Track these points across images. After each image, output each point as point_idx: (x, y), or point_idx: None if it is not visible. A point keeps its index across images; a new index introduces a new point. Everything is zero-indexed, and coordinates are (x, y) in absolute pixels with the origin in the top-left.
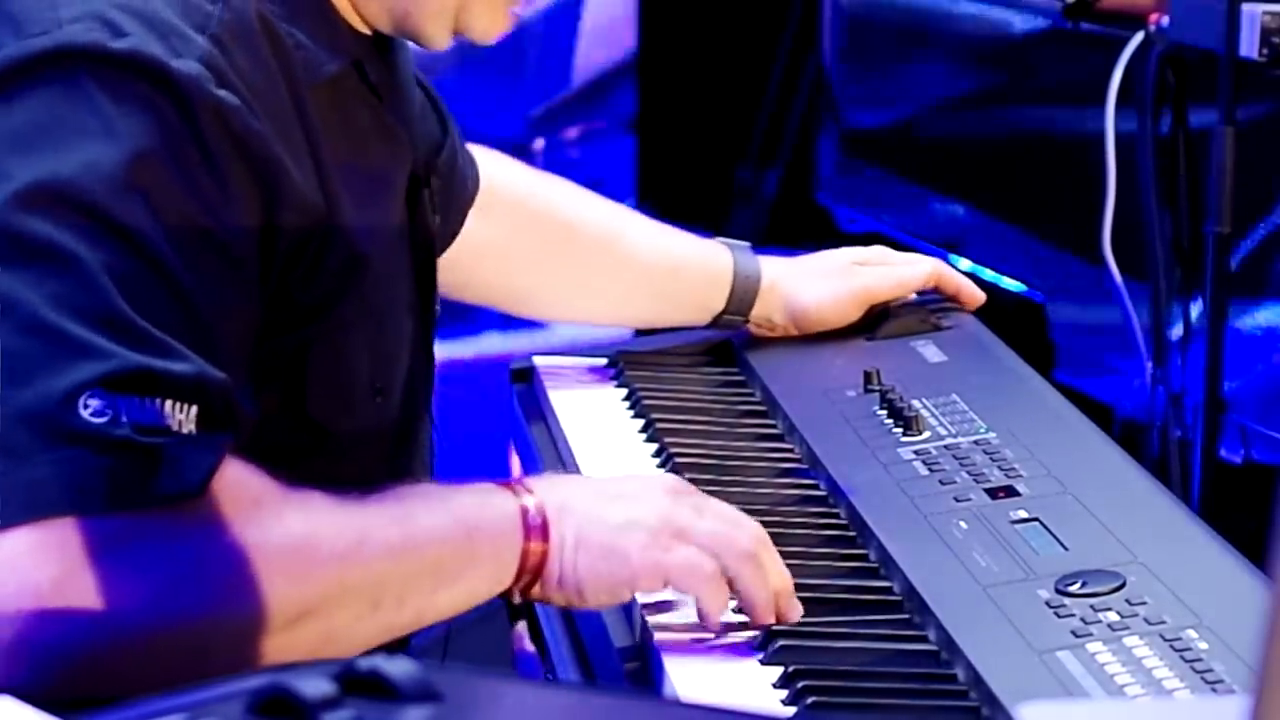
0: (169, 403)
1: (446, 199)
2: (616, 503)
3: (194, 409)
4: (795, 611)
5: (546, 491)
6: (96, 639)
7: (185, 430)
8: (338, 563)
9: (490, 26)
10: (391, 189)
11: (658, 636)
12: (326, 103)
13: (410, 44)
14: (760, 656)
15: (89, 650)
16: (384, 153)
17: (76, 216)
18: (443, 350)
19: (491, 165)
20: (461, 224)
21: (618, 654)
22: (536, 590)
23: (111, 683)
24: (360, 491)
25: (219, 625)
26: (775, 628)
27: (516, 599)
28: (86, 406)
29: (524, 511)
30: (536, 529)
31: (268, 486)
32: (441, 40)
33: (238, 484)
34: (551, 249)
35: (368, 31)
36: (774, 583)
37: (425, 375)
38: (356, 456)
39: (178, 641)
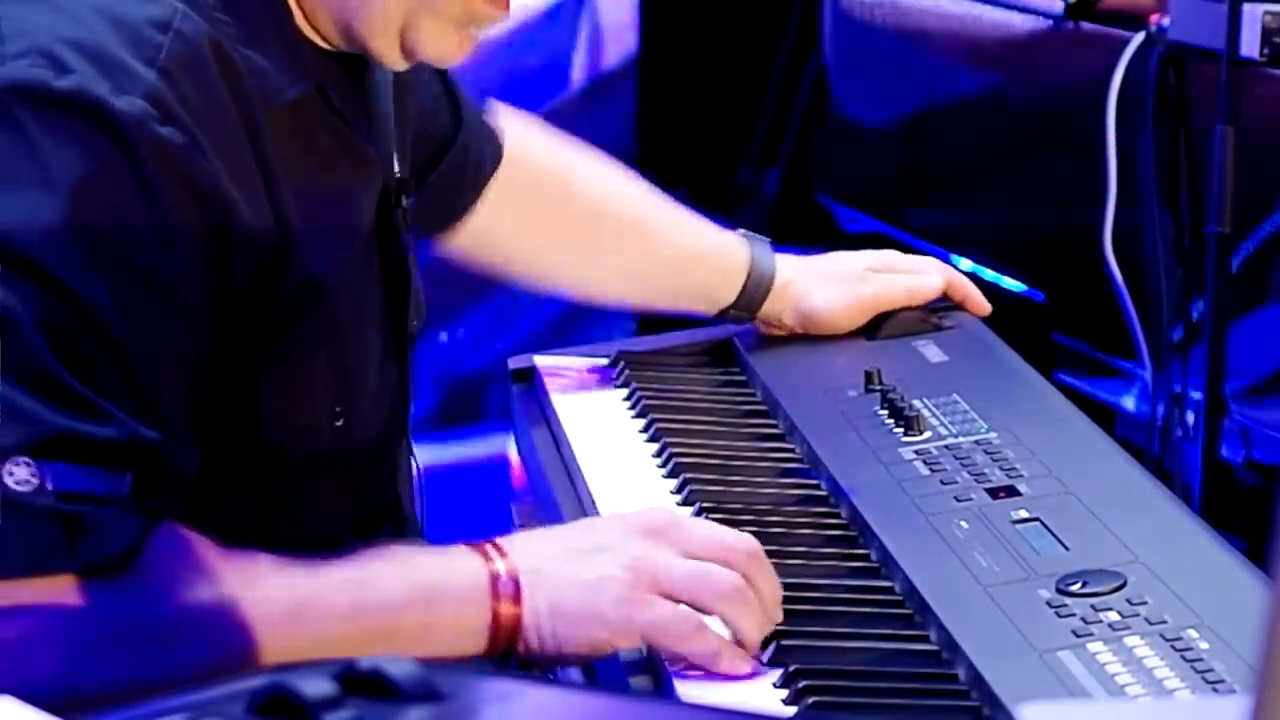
0: (100, 469)
1: (457, 183)
2: (589, 559)
3: (127, 475)
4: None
5: (519, 554)
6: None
7: (117, 495)
8: (275, 628)
9: (442, 49)
10: (357, 210)
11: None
12: (286, 128)
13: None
14: (761, 656)
15: None
16: (350, 174)
17: (12, 271)
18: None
19: (524, 138)
20: (475, 199)
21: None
22: (521, 649)
23: None
24: (319, 555)
25: (141, 690)
26: (776, 628)
27: (499, 660)
28: (11, 474)
29: (494, 577)
30: (509, 595)
31: (206, 552)
32: (394, 59)
33: (172, 550)
34: (574, 228)
35: (334, 49)
36: (765, 597)
37: (398, 392)
38: (320, 479)
39: (100, 703)
